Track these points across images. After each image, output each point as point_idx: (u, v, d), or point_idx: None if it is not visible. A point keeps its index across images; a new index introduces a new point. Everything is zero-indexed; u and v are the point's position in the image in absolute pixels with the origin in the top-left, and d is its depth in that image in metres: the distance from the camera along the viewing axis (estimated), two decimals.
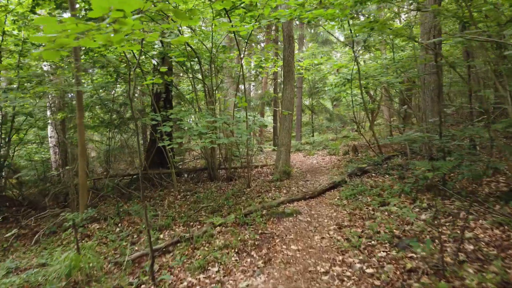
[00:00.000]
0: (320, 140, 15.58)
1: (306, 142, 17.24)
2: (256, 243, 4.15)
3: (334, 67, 8.83)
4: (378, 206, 4.96)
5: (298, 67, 9.68)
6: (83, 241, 4.79)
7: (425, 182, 5.31)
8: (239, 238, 4.26)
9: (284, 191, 6.73)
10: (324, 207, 5.46)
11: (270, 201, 5.93)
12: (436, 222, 3.95)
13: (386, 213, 4.64)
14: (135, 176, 8.68)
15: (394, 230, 3.91)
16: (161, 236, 4.79)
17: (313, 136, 19.05)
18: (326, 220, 4.81)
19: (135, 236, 4.88)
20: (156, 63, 10.14)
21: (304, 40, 17.47)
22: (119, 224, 5.32)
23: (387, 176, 6.74)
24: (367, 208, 4.98)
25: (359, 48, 7.99)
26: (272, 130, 20.00)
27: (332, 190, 6.46)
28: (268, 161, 11.81)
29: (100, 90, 10.57)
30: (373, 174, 6.98)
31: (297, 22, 14.90)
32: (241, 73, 7.90)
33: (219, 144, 9.51)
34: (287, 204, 5.73)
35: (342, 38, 20.18)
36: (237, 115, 13.10)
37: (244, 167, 10.22)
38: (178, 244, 4.32)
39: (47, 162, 10.31)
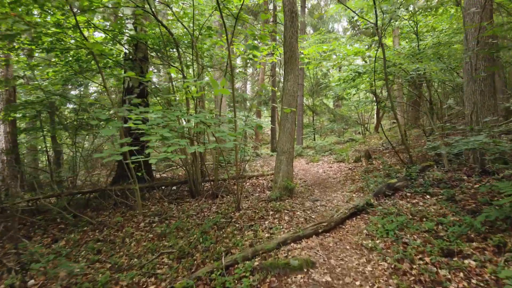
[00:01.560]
0: (324, 144, 13.74)
1: (308, 146, 15.40)
2: None
3: (348, 53, 6.99)
4: (440, 255, 3.09)
5: (302, 55, 7.85)
6: None
7: (502, 215, 3.44)
8: None
9: (286, 218, 4.84)
10: (349, 252, 3.57)
11: (266, 238, 4.04)
12: None
13: (461, 274, 2.76)
14: (96, 193, 6.74)
15: None
16: None
17: (314, 139, 17.22)
18: (358, 283, 2.92)
19: None
20: (127, 51, 8.27)
21: (308, 34, 15.68)
22: (30, 280, 3.40)
23: (427, 196, 4.88)
24: (421, 259, 3.10)
25: (387, 23, 6.11)
26: (270, 132, 18.15)
27: (355, 218, 4.57)
28: (265, 170, 9.93)
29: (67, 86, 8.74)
30: (408, 193, 5.11)
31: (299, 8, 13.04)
32: (228, 61, 6.03)
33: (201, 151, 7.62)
34: (292, 244, 3.83)
35: (348, 32, 18.38)
36: (230, 115, 11.25)
37: (233, 178, 8.34)
38: None
39: None
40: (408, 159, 6.43)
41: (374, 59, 6.08)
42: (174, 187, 7.80)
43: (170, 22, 8.75)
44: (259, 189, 7.31)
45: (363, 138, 15.39)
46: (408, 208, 4.44)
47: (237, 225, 4.70)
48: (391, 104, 5.90)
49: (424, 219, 3.95)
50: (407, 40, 10.86)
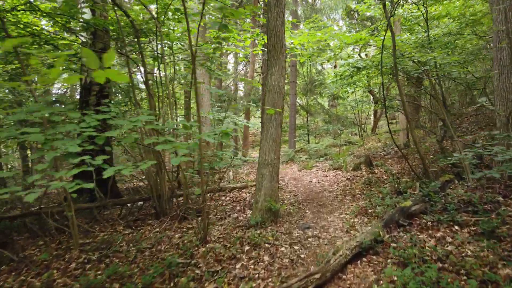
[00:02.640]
0: (319, 148, 12.48)
1: (302, 149, 14.14)
2: None
3: (348, 41, 5.72)
4: None
5: (291, 45, 6.57)
6: None
7: None
8: None
9: (266, 259, 3.55)
10: None
11: None
12: None
13: None
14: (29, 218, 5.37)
15: None
16: None
17: (308, 142, 15.97)
18: None
19: None
20: (84, 40, 6.94)
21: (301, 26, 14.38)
22: None
23: (456, 227, 3.62)
24: None
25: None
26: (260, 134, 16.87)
27: (359, 263, 3.28)
28: (250, 179, 8.64)
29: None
30: (429, 222, 3.84)
31: None
32: (189, 47, 4.71)
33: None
34: None
35: (344, 28, 17.15)
36: (211, 116, 9.96)
37: (211, 192, 7.05)
38: None
39: None
40: (422, 172, 5.19)
41: (381, 46, 4.79)
42: (141, 202, 6.48)
43: (134, 6, 7.38)
44: (239, 207, 6.01)
45: (361, 140, 14.20)
46: (433, 249, 3.17)
47: (197, 270, 3.39)
48: (402, 103, 4.65)
49: (464, 273, 2.68)
50: (409, 33, 9.68)
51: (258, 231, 4.35)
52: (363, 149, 11.47)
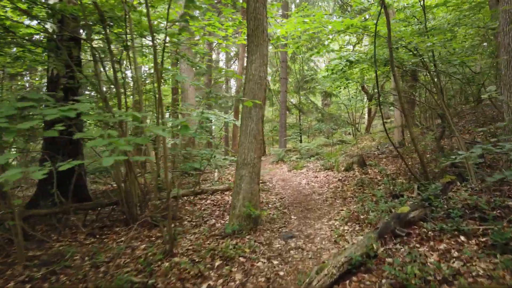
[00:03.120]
0: (311, 147, 11.94)
1: (293, 148, 13.60)
2: None
3: (338, 28, 5.14)
4: None
5: (277, 33, 5.97)
6: None
7: None
8: None
9: (238, 278, 2.97)
10: None
11: None
12: None
13: None
14: None
15: None
16: None
17: (301, 141, 15.44)
18: None
19: None
20: (51, 29, 6.29)
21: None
22: None
23: (462, 238, 3.09)
24: None
25: None
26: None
27: (349, 283, 2.71)
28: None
29: None
30: (429, 231, 3.29)
31: None
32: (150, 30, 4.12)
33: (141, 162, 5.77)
34: None
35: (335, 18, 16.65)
36: (194, 113, 9.35)
37: (188, 195, 6.47)
38: None
39: None
40: (420, 173, 4.65)
41: (375, 30, 4.24)
42: (104, 209, 5.84)
43: None
44: (218, 212, 5.43)
45: (354, 140, 13.71)
46: (437, 266, 2.62)
47: None
48: (398, 95, 4.12)
49: None
50: (404, 27, 9.19)
51: (234, 242, 3.78)
52: (357, 148, 10.97)
